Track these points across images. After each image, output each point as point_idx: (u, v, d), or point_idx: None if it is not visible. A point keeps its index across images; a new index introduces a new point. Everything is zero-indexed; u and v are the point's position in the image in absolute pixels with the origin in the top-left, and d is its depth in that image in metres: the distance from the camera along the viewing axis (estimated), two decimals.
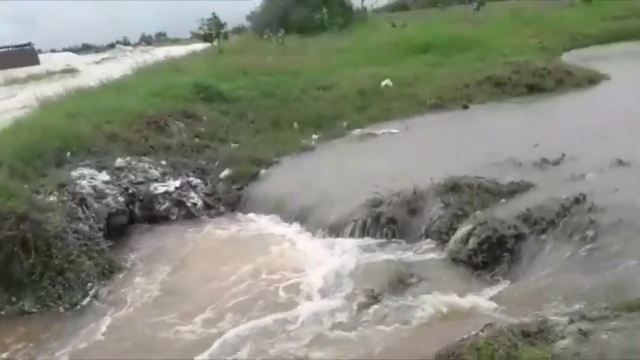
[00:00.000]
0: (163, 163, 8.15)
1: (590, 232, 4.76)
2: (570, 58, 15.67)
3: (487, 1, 23.96)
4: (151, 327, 4.83)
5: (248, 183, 7.92)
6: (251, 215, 7.23)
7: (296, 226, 6.60)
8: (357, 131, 9.93)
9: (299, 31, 22.81)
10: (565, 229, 4.96)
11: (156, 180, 7.68)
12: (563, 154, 6.66)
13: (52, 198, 6.41)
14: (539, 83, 11.55)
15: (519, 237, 5.09)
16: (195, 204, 7.41)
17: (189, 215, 7.36)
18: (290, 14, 25.78)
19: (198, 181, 7.80)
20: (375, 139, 9.39)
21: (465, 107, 10.69)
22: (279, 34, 21.11)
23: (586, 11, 22.67)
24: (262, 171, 8.21)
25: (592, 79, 11.94)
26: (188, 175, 7.89)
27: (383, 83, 12.23)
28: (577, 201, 5.22)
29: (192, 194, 7.52)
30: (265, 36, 22.26)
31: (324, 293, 4.97)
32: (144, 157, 8.23)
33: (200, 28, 21.16)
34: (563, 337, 3.34)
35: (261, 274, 5.47)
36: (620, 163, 6.21)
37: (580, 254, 4.57)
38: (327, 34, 21.86)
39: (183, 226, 7.07)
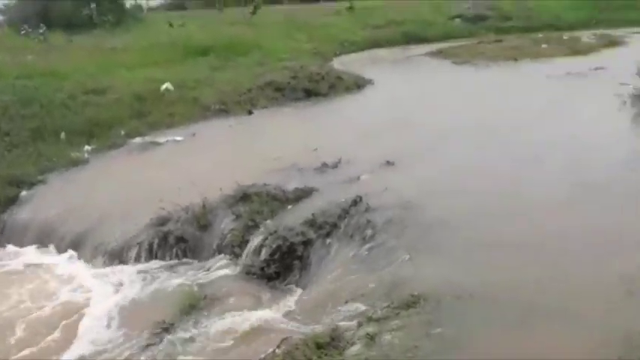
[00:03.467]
0: None
1: (369, 232, 5.16)
2: (340, 63, 17.06)
3: (263, 5, 24.69)
4: None
5: (5, 209, 6.72)
6: (11, 247, 6.12)
7: (69, 256, 5.78)
8: (138, 140, 9.23)
9: (65, 28, 20.43)
10: (347, 230, 5.29)
11: None
12: (340, 158, 7.13)
13: None
14: (315, 88, 12.26)
15: (307, 243, 5.24)
16: None
17: None
18: (52, 8, 22.95)
19: None
20: (158, 148, 8.83)
21: (250, 112, 10.78)
22: (41, 30, 18.60)
23: (350, 19, 24.89)
24: (23, 193, 7.04)
25: (359, 84, 13.13)
26: None
27: (163, 87, 11.60)
28: (355, 203, 5.62)
29: None
30: (23, 32, 19.40)
31: (106, 332, 4.41)
32: None
33: None
34: (353, 344, 3.50)
35: (27, 319, 4.63)
36: (388, 163, 6.93)
37: (362, 254, 4.90)
38: (97, 31, 19.99)
39: None
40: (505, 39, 19.17)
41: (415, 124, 8.96)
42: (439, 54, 17.62)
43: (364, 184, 6.25)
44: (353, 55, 19.04)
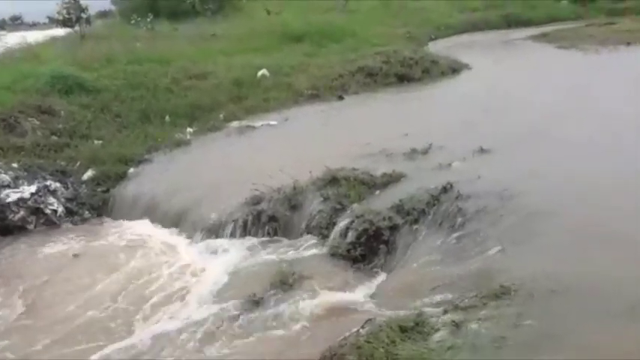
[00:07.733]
0: (15, 166, 7.26)
1: (458, 220, 5.04)
2: (435, 47, 16.64)
3: None
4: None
5: (115, 184, 7.34)
6: (120, 221, 6.70)
7: (171, 230, 6.22)
8: (235, 123, 9.63)
9: (170, 17, 21.65)
10: (435, 218, 5.20)
11: (7, 186, 6.80)
12: (431, 144, 6.99)
13: None
14: (407, 73, 12.09)
15: (394, 228, 5.23)
16: (55, 211, 6.68)
17: (50, 223, 6.62)
18: None
19: (58, 184, 7.04)
20: (253, 132, 9.16)
21: (341, 98, 10.88)
22: (149, 19, 19.88)
23: (447, 3, 24.20)
24: (131, 170, 7.64)
25: (455, 69, 12.76)
26: (45, 179, 7.09)
27: (260, 73, 12.01)
28: (445, 190, 5.49)
29: (52, 200, 6.77)
30: (133, 21, 20.83)
31: (203, 301, 4.71)
32: None
33: (58, 12, 19.17)
34: (437, 330, 3.47)
35: (131, 287, 5.05)
36: (482, 150, 6.67)
37: (450, 242, 4.81)
38: (199, 19, 20.99)
39: (43, 237, 6.34)
40: (617, 21, 17.68)
41: (513, 111, 8.57)
42: (542, 38, 16.66)
43: (456, 171, 6.09)
44: (449, 39, 18.51)
